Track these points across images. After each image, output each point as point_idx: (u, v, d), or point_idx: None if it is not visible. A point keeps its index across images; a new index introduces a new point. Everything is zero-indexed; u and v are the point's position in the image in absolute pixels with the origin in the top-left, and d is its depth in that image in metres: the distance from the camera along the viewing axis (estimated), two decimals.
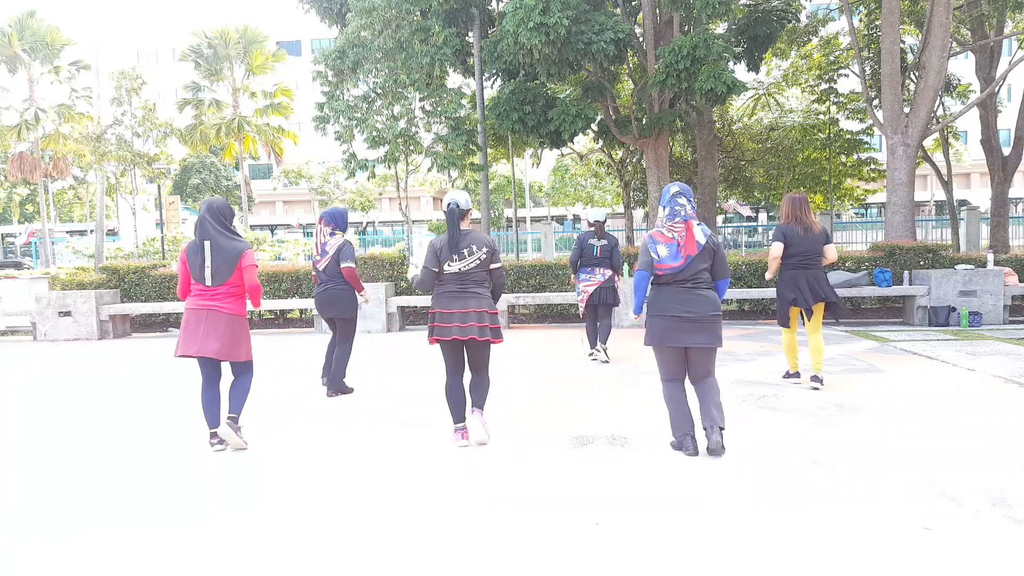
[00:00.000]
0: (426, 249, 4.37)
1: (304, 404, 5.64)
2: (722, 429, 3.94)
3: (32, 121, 26.58)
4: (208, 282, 4.29)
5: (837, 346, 7.78)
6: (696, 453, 3.97)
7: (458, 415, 4.40)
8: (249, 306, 4.50)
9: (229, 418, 4.39)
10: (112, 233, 30.72)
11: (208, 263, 4.29)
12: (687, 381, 4.18)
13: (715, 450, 3.90)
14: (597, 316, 7.35)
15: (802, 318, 5.89)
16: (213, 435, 4.40)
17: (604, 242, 7.17)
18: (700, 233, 4.02)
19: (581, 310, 7.37)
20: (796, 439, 4.24)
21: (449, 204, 4.31)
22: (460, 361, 4.43)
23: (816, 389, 5.63)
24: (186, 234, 24.54)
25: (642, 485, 3.52)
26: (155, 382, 6.94)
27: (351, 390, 5.98)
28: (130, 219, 22.08)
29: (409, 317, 11.62)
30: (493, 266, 4.33)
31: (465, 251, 4.26)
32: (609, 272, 7.17)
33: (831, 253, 5.73)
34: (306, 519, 3.20)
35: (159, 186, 20.86)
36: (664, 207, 4.10)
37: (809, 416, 4.78)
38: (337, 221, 5.97)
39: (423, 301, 10.72)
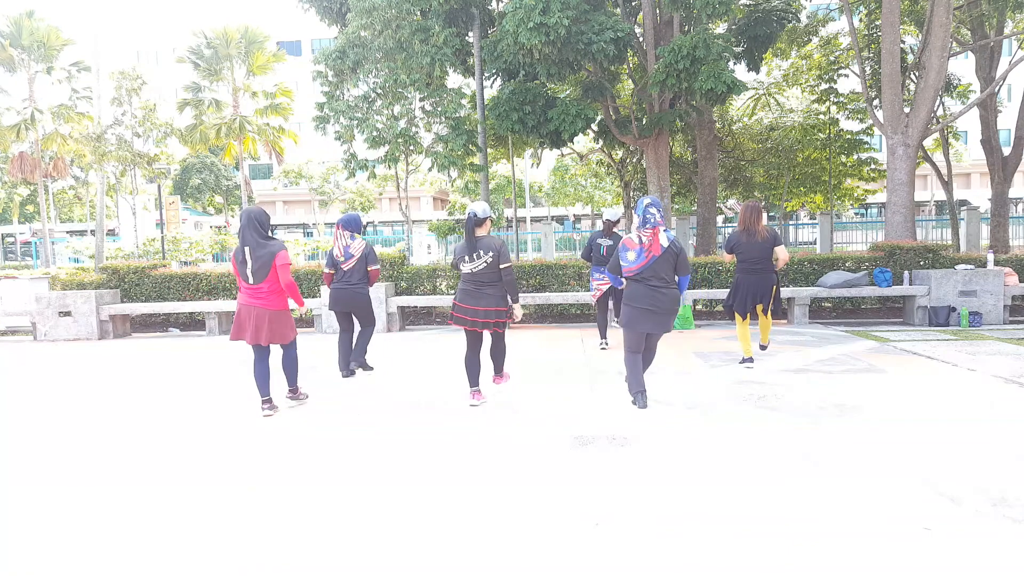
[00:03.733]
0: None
1: (303, 404, 5.64)
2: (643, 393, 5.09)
3: (31, 121, 26.58)
4: (250, 280, 5.06)
5: (837, 346, 7.78)
6: (645, 407, 4.99)
7: (473, 380, 5.35)
8: (293, 304, 5.35)
9: (289, 391, 5.56)
10: (112, 233, 30.73)
11: (249, 265, 5.03)
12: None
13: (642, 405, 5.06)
14: (608, 308, 7.93)
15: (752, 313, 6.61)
16: (265, 402, 5.23)
17: (611, 242, 7.59)
18: (664, 238, 4.92)
19: (594, 302, 8.00)
20: (796, 439, 4.24)
21: (468, 213, 5.14)
22: (477, 341, 5.36)
23: (758, 355, 6.83)
24: (186, 234, 24.58)
25: (642, 485, 3.52)
26: (156, 382, 6.93)
27: (372, 368, 6.76)
28: (130, 219, 22.10)
29: (409, 317, 11.62)
30: (502, 266, 5.09)
31: (475, 255, 5.08)
32: None
33: (782, 254, 6.29)
34: (304, 519, 3.20)
35: (159, 186, 20.88)
36: (638, 215, 4.97)
37: (809, 416, 4.78)
38: (354, 226, 6.59)
39: (423, 301, 10.72)
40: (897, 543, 2.77)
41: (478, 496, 3.44)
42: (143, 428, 5.06)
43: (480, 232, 5.14)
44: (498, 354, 5.53)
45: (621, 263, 5.06)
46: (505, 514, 3.19)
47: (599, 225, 38.71)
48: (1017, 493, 3.24)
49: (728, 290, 6.79)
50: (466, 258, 5.11)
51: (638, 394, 5.06)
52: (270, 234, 5.18)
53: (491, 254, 5.06)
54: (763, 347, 7.04)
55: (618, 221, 7.75)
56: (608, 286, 7.63)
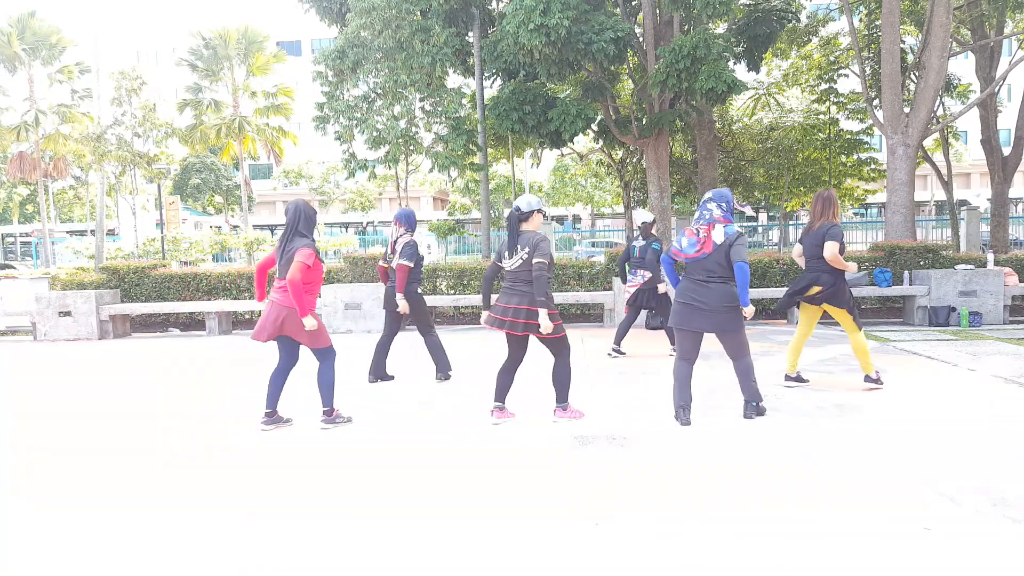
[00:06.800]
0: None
1: (300, 405, 5.63)
2: (754, 404, 4.74)
3: (32, 122, 26.59)
4: (279, 274, 4.72)
5: (837, 346, 7.78)
6: (688, 423, 4.59)
7: (499, 395, 4.91)
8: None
9: (323, 412, 4.87)
10: (112, 233, 30.73)
11: (279, 260, 4.72)
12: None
13: (748, 416, 4.74)
14: (636, 316, 7.61)
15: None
16: (267, 414, 4.81)
17: (644, 243, 7.40)
18: (720, 234, 4.61)
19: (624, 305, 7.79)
20: (796, 439, 4.24)
21: (514, 208, 4.69)
22: (516, 350, 4.89)
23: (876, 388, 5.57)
24: (186, 234, 24.53)
25: (642, 485, 3.52)
26: (156, 383, 6.93)
27: (392, 377, 6.55)
28: (130, 219, 22.11)
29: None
30: (535, 260, 4.56)
31: (514, 250, 4.65)
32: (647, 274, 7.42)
33: (825, 251, 5.51)
34: (303, 519, 3.20)
35: (159, 186, 20.88)
36: (696, 210, 4.80)
37: (809, 416, 4.78)
38: (406, 222, 6.29)
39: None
40: (897, 543, 2.77)
41: (478, 496, 3.44)
42: (143, 429, 5.05)
43: (526, 227, 4.66)
44: (561, 378, 4.87)
45: (675, 246, 4.80)
46: (505, 514, 3.19)
47: (600, 225, 38.69)
48: (1017, 493, 3.24)
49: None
50: (506, 254, 4.70)
51: (680, 408, 4.67)
52: (304, 231, 4.75)
53: (527, 249, 4.57)
54: (868, 379, 5.57)
55: (653, 223, 7.48)
56: (637, 288, 7.34)
